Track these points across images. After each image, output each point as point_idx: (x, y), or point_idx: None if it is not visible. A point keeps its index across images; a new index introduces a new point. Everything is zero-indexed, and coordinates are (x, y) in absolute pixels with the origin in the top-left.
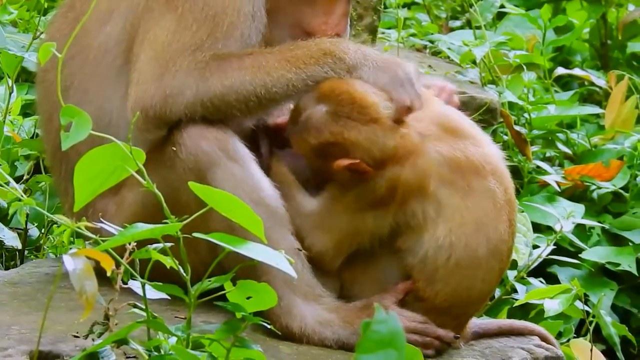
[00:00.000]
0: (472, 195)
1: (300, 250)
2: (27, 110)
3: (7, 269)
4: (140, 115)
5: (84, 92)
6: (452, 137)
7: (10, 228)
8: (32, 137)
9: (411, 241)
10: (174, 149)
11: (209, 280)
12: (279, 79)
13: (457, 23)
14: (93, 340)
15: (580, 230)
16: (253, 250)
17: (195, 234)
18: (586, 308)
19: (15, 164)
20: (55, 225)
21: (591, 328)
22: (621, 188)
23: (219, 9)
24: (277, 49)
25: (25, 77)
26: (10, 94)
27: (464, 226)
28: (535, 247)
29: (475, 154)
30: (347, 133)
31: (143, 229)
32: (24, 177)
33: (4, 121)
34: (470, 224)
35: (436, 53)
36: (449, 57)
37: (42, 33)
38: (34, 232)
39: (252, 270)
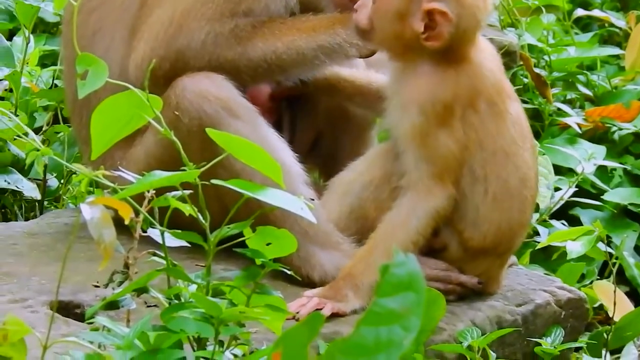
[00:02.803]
0: (506, 120)
1: (313, 200)
2: (44, 61)
3: (26, 219)
4: (144, 73)
5: (111, 38)
6: (495, 58)
7: (29, 179)
8: (50, 88)
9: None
10: (177, 113)
11: (228, 227)
12: (289, 45)
13: None
14: (113, 289)
15: (602, 171)
16: (272, 197)
17: (214, 181)
18: (609, 250)
19: (34, 114)
20: (74, 175)
21: (614, 270)
22: None
23: None
24: (291, 19)
25: (42, 27)
26: (27, 44)
27: (494, 155)
28: (557, 189)
29: (508, 82)
30: None
31: (161, 176)
32: (43, 128)
33: (22, 72)
34: (500, 153)
35: None
36: None
37: None
38: (53, 182)
39: (268, 221)
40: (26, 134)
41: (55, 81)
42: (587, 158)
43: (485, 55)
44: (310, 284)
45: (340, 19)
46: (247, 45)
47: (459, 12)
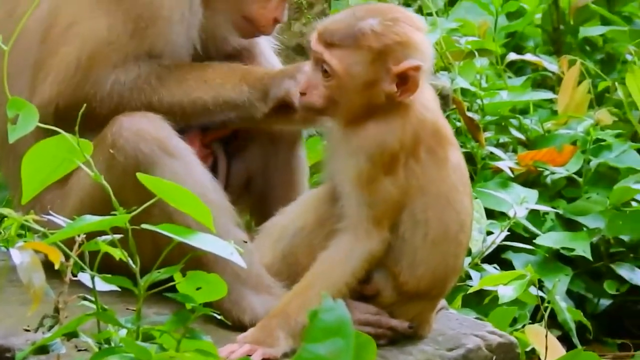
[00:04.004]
0: (446, 167)
1: (246, 242)
2: None
3: None
4: (53, 115)
5: (18, 80)
6: (435, 106)
7: None
8: None
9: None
10: (112, 151)
11: (158, 272)
12: (195, 101)
13: (409, 10)
14: (43, 333)
15: (534, 215)
16: (202, 241)
17: (145, 226)
18: (541, 294)
19: None
20: (5, 219)
21: (546, 314)
22: (575, 173)
23: (149, 21)
24: (198, 68)
25: None
26: None
27: (438, 200)
28: (489, 233)
29: (448, 127)
30: (412, 34)
31: (91, 221)
32: None
33: None
34: (442, 198)
35: None
36: None
37: None
38: None
39: (201, 264)
40: None
41: None
42: (520, 202)
43: (424, 96)
44: (241, 327)
45: (247, 74)
46: (152, 98)
47: (421, 57)
